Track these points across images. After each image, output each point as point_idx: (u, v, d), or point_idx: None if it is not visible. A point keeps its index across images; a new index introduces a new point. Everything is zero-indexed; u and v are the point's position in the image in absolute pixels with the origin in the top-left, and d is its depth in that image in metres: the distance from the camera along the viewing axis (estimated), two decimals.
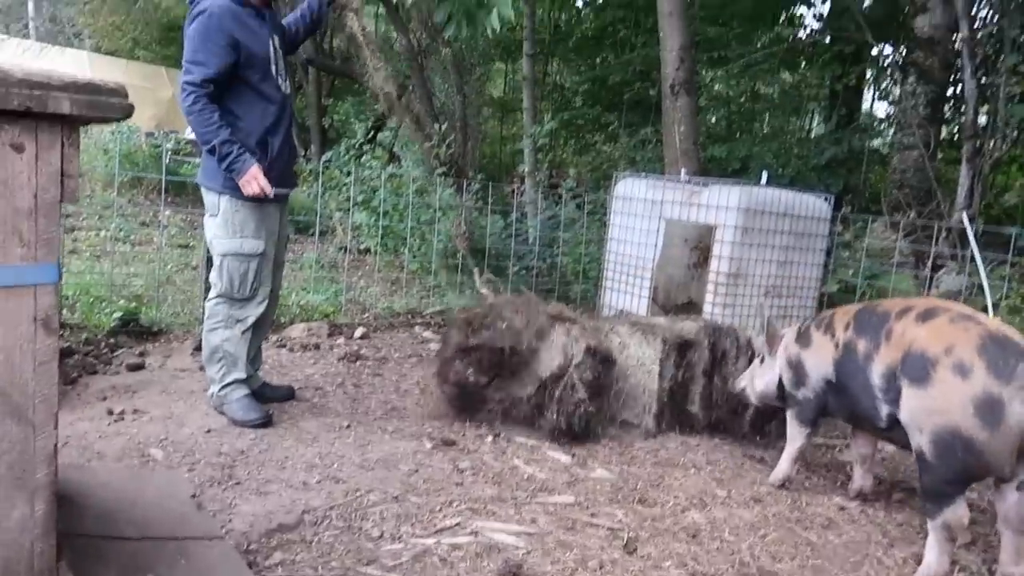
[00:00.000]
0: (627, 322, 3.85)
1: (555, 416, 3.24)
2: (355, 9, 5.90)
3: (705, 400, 3.55)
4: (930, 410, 2.27)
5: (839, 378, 2.69)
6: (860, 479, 2.98)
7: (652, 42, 9.26)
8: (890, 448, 3.36)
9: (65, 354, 3.68)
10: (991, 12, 8.29)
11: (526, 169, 7.75)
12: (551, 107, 12.67)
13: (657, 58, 6.84)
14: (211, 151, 2.88)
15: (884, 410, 2.48)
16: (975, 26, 6.92)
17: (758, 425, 3.61)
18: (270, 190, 2.95)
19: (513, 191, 7.32)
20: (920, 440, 2.31)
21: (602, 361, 3.34)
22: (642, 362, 3.50)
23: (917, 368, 2.30)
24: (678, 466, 3.12)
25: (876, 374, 2.49)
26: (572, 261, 6.20)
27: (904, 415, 2.37)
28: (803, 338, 2.92)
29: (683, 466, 3.13)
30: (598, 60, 12.61)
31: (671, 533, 2.52)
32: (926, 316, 2.39)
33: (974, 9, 8.27)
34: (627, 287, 5.26)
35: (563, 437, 3.25)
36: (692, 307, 4.85)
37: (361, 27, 6.00)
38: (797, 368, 2.91)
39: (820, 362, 2.79)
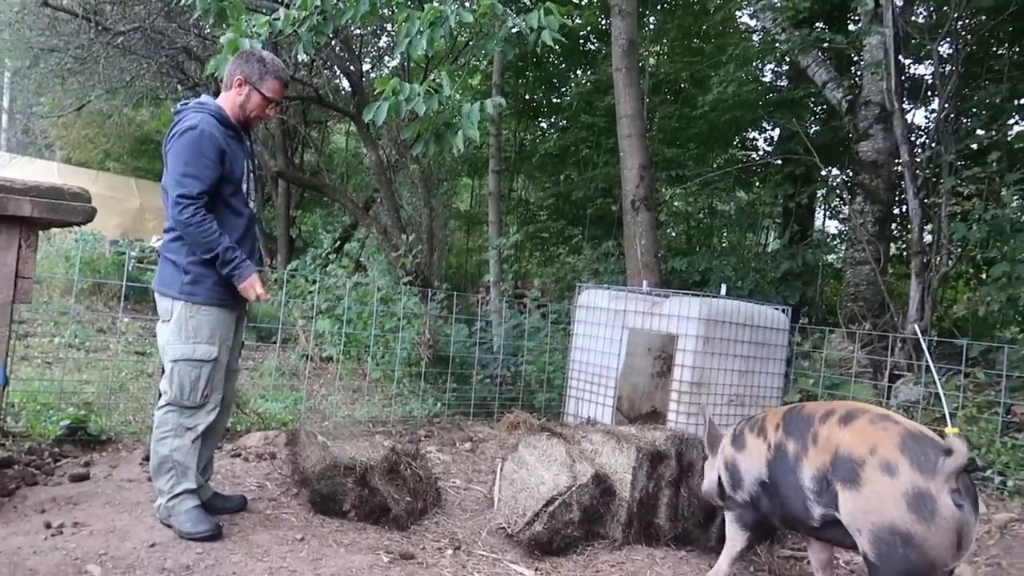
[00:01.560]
0: (600, 430, 3.82)
1: (541, 528, 3.17)
2: None
3: (672, 511, 3.48)
4: (865, 510, 2.32)
5: (772, 478, 2.73)
6: None
7: (613, 161, 9.66)
8: (858, 559, 3.30)
9: (4, 464, 3.50)
10: (928, 139, 8.87)
11: (491, 279, 7.85)
12: (516, 220, 12.99)
13: (618, 176, 7.11)
14: (213, 259, 2.92)
15: (817, 511, 2.53)
16: (915, 151, 7.37)
17: (725, 538, 3.53)
18: (266, 296, 3.06)
19: (478, 301, 7.38)
20: (862, 543, 2.33)
21: (604, 492, 3.34)
22: (614, 470, 3.46)
23: (847, 470, 2.38)
24: None
25: (807, 476, 2.55)
26: (536, 370, 6.18)
27: (844, 518, 2.41)
28: (738, 441, 2.97)
29: None
30: (561, 177, 13.06)
31: None
32: (848, 419, 2.49)
33: (913, 136, 8.85)
34: (592, 395, 5.25)
35: (536, 550, 3.16)
36: (656, 416, 4.84)
37: None
38: (733, 471, 2.95)
39: (754, 464, 2.83)
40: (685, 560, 3.30)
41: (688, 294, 5.11)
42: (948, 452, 2.22)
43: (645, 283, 5.75)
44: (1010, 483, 4.67)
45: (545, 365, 6.06)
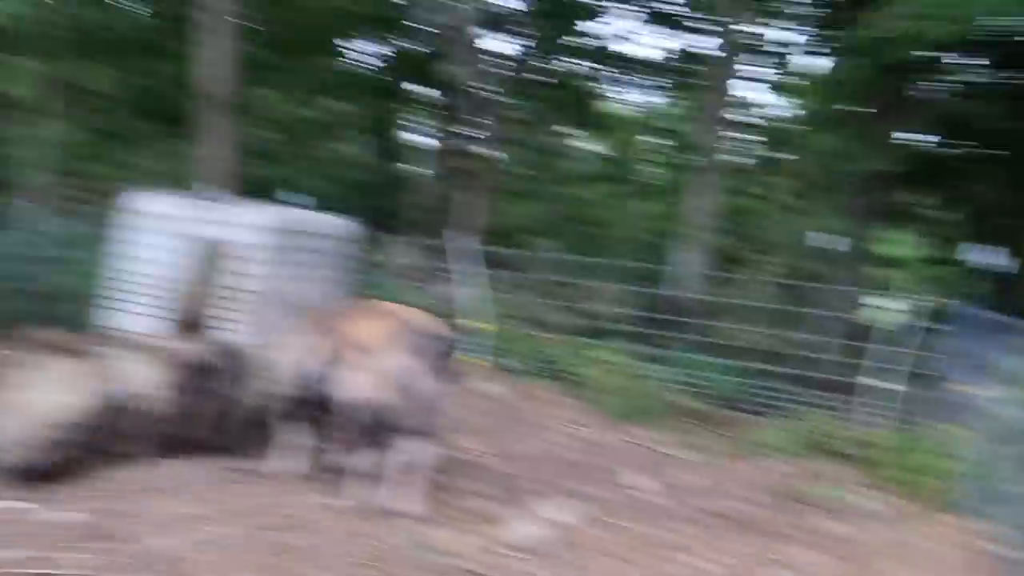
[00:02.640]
0: (135, 345, 3.52)
1: (41, 454, 2.86)
2: None
3: (213, 423, 3.38)
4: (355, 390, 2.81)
5: (301, 370, 3.18)
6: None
7: (195, 54, 8.74)
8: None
9: None
10: (499, 68, 9.70)
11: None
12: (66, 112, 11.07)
13: (199, 72, 6.44)
14: None
15: (324, 393, 2.98)
16: (487, 78, 7.98)
17: (247, 440, 3.52)
18: None
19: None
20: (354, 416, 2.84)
21: (126, 409, 3.14)
22: (145, 386, 3.23)
23: (349, 358, 2.86)
24: (165, 492, 2.92)
25: (318, 362, 2.98)
26: (75, 281, 5.43)
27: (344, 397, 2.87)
28: (282, 340, 3.36)
29: (170, 492, 2.94)
30: (134, 66, 11.40)
31: (146, 567, 2.30)
32: (361, 315, 3.02)
33: (489, 65, 9.58)
34: (141, 307, 4.79)
35: (35, 479, 2.84)
36: (210, 327, 4.62)
37: None
38: (275, 366, 3.36)
39: (291, 358, 3.26)
40: (205, 466, 3.24)
41: (256, 202, 4.91)
42: (436, 338, 2.65)
43: (211, 189, 5.39)
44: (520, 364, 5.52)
45: (85, 276, 5.33)
